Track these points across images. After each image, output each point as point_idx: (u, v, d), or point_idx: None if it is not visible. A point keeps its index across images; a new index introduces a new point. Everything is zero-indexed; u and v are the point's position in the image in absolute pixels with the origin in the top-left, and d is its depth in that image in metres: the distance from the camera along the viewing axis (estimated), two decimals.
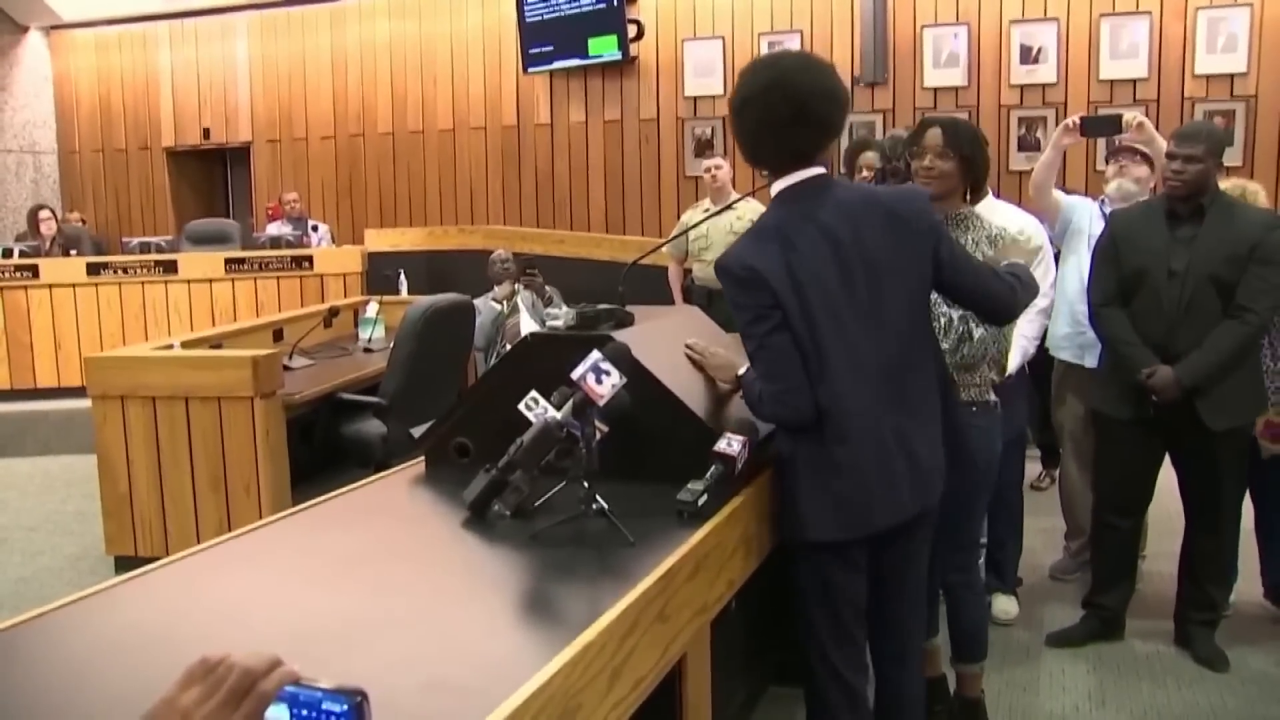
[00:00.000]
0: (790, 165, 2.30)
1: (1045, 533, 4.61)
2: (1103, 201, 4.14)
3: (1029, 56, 7.61)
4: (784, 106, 2.23)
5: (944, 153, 2.81)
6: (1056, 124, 7.44)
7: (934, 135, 2.83)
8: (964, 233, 2.79)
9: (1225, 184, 3.96)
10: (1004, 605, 3.94)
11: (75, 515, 5.59)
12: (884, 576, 2.45)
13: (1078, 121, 3.95)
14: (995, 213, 3.34)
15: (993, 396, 2.92)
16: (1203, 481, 3.59)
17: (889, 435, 2.28)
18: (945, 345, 2.76)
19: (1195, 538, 3.67)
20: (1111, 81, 7.30)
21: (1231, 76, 7.17)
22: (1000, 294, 2.46)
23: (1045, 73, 7.58)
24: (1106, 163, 4.53)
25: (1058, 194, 4.11)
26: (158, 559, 2.10)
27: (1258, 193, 3.97)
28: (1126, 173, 4.12)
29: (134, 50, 10.47)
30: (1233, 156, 6.84)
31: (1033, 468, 5.34)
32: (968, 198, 2.89)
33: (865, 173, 4.23)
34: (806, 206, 2.27)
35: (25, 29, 10.51)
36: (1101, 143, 7.12)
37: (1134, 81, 7.26)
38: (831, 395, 2.23)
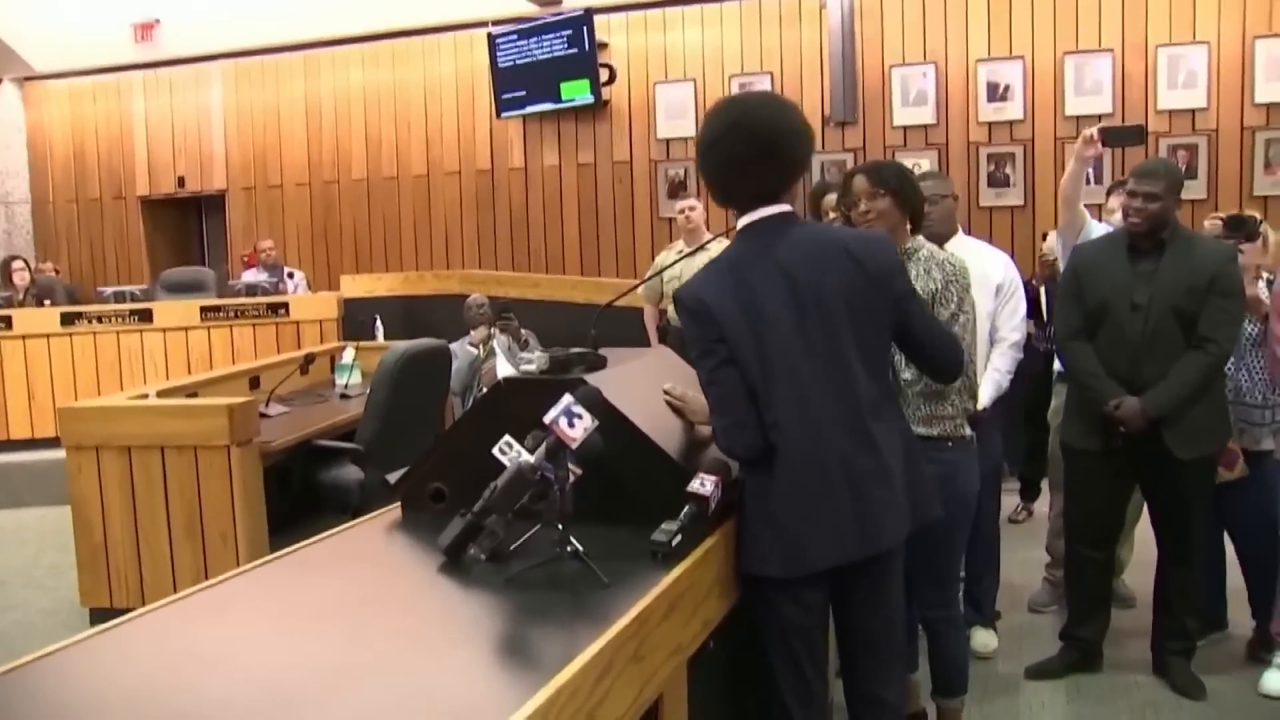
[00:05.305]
0: (756, 203, 2.33)
1: (1023, 565, 4.63)
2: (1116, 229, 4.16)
3: (996, 94, 7.74)
4: (748, 145, 2.27)
5: (873, 193, 2.88)
6: (1025, 160, 7.64)
7: (859, 181, 2.92)
8: (914, 264, 2.84)
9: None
10: (983, 639, 3.95)
11: (49, 569, 5.53)
12: (851, 619, 2.44)
13: (1097, 134, 3.84)
14: (965, 250, 3.39)
15: (968, 430, 2.94)
16: (1172, 511, 3.63)
17: (838, 475, 2.25)
18: (908, 375, 2.79)
19: (1167, 568, 3.70)
20: (1077, 117, 7.41)
21: (1193, 112, 7.31)
22: (950, 348, 2.52)
23: (1012, 110, 7.71)
24: (1108, 195, 4.57)
25: (1085, 211, 4.08)
26: (134, 610, 2.09)
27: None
28: None
29: (108, 100, 10.50)
30: (1196, 190, 6.96)
31: (1009, 500, 5.37)
32: (909, 229, 2.94)
33: (831, 215, 4.27)
34: (765, 242, 2.30)
35: None
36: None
37: (1099, 117, 7.36)
38: (779, 432, 2.24)
